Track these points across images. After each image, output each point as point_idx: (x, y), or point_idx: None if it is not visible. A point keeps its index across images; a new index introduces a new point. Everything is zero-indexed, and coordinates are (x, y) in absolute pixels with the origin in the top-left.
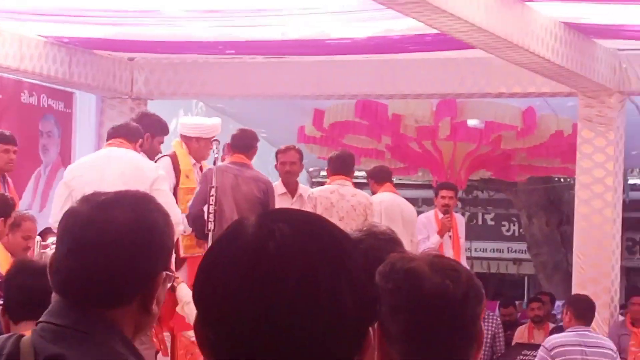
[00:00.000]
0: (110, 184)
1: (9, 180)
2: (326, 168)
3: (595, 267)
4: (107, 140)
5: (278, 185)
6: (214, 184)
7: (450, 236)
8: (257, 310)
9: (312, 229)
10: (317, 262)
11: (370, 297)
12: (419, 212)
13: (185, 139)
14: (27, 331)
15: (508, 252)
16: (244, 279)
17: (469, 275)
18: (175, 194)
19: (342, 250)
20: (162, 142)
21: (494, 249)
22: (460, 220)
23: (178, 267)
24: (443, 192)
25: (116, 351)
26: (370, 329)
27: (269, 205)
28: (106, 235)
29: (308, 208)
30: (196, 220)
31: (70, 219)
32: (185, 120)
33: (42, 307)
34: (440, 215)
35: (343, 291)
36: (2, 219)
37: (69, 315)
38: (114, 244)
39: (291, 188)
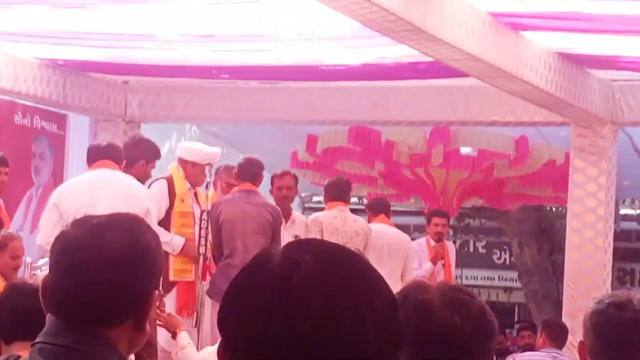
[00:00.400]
0: (106, 207)
1: (0, 201)
2: (323, 194)
3: (585, 296)
4: (92, 161)
5: None
6: (207, 208)
7: (443, 264)
8: (279, 340)
9: (338, 261)
10: (340, 295)
11: (394, 334)
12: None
13: (182, 162)
14: (20, 352)
15: (499, 280)
16: (267, 308)
17: (480, 310)
18: (169, 217)
19: (367, 285)
20: (154, 167)
21: (484, 277)
22: (451, 248)
23: (167, 291)
24: (436, 220)
25: None
26: None
27: (279, 229)
28: (102, 257)
29: (313, 232)
30: (214, 252)
31: (64, 242)
32: (186, 143)
33: (35, 328)
34: (433, 243)
35: (366, 326)
36: None
37: (68, 335)
38: (110, 266)
39: (285, 213)
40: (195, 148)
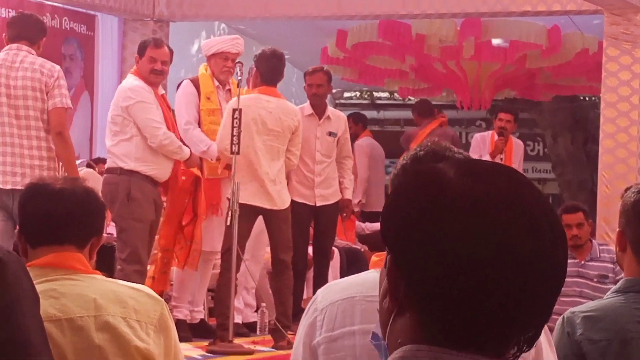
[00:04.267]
0: None
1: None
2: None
3: (620, 185)
4: None
5: (306, 107)
6: (237, 107)
7: (501, 159)
8: (475, 254)
9: (517, 183)
10: (515, 211)
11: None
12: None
13: (208, 60)
14: (45, 256)
15: (532, 172)
16: (451, 230)
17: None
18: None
19: (539, 197)
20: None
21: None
22: (517, 145)
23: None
24: (501, 115)
25: None
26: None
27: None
28: None
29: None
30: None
31: None
32: (204, 41)
33: (59, 231)
34: (496, 137)
35: (557, 238)
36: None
37: None
38: None
39: (319, 110)
40: (210, 40)
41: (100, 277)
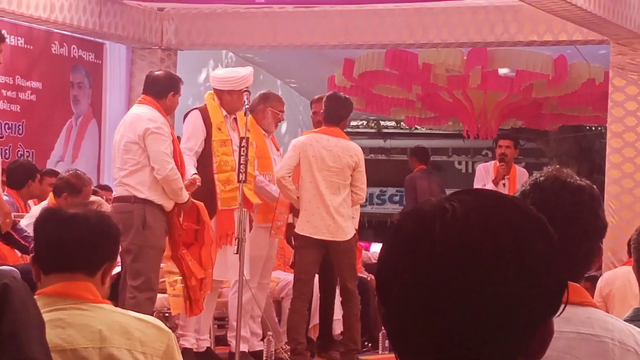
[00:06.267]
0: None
1: None
2: None
3: (627, 216)
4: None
5: None
6: (245, 135)
7: (504, 184)
8: (413, 287)
9: (489, 210)
10: (479, 245)
11: (546, 291)
12: (448, 162)
13: (218, 92)
14: (55, 285)
15: None
16: (408, 258)
17: None
18: (209, 146)
19: (517, 235)
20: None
21: None
22: (520, 172)
23: (211, 217)
24: (501, 142)
25: None
26: (548, 325)
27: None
28: None
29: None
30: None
31: None
32: (216, 73)
33: (69, 260)
34: (498, 165)
35: (508, 278)
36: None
37: None
38: None
39: None
40: (226, 76)
41: (108, 307)
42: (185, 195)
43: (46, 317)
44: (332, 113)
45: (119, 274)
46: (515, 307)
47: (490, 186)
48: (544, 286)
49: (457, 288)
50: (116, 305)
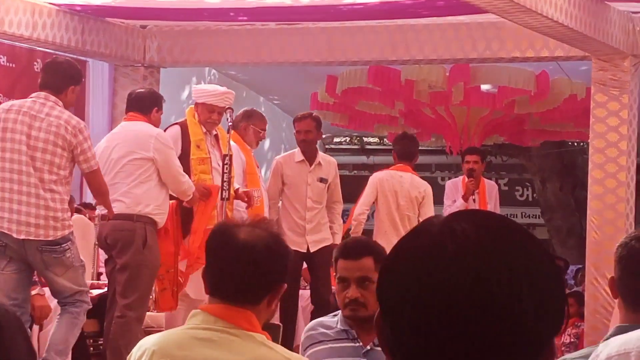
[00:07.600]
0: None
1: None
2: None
3: (609, 231)
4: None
5: (296, 153)
6: (228, 152)
7: (474, 199)
8: (429, 309)
9: (498, 231)
10: (495, 265)
11: (555, 309)
12: (431, 178)
13: (195, 105)
14: (218, 304)
15: (522, 217)
16: (421, 275)
17: None
18: (187, 163)
19: (527, 256)
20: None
21: (507, 214)
22: (490, 186)
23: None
24: (467, 157)
25: None
26: (552, 345)
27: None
28: None
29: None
30: None
31: None
32: (198, 85)
33: (236, 293)
34: (467, 180)
35: (523, 298)
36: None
37: None
38: None
39: (309, 156)
40: (200, 88)
41: (260, 337)
42: (191, 192)
43: (199, 333)
44: (403, 151)
45: (104, 294)
46: (530, 325)
47: (460, 202)
48: (552, 304)
49: (476, 308)
50: (101, 326)
